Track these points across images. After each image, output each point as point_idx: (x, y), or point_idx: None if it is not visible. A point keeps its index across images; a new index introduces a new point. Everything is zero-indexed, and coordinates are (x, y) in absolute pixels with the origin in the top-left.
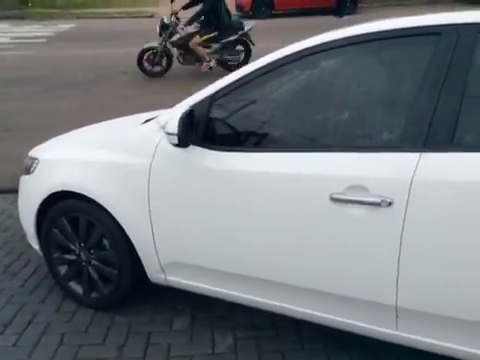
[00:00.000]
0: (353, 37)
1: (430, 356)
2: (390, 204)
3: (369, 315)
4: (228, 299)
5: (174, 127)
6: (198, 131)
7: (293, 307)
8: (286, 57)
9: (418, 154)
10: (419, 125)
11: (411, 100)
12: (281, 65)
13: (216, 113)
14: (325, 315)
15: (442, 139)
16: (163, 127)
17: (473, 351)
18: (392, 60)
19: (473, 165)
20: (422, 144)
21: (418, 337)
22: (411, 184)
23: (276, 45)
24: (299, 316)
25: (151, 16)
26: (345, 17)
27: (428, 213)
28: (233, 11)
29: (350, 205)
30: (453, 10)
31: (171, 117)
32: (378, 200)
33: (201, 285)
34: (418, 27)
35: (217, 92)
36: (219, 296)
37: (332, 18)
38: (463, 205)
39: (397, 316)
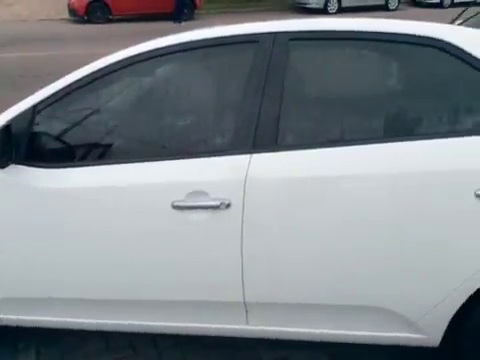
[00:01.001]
0: (184, 44)
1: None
2: (229, 206)
3: (221, 315)
4: (77, 327)
5: None
6: (20, 148)
7: (146, 323)
8: (117, 63)
9: (249, 155)
10: (247, 128)
11: (239, 105)
12: (112, 71)
13: (41, 126)
14: (178, 324)
15: (267, 140)
16: None
17: (305, 330)
18: (220, 67)
19: (295, 162)
20: (251, 146)
21: (269, 327)
22: (245, 184)
23: (110, 51)
24: (155, 330)
25: None
26: (183, 23)
27: (262, 210)
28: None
29: (192, 211)
30: (283, 18)
31: None
32: (217, 203)
33: (42, 318)
34: (239, 35)
35: (40, 103)
36: (67, 326)
37: (171, 24)
38: (289, 199)
39: (247, 311)
